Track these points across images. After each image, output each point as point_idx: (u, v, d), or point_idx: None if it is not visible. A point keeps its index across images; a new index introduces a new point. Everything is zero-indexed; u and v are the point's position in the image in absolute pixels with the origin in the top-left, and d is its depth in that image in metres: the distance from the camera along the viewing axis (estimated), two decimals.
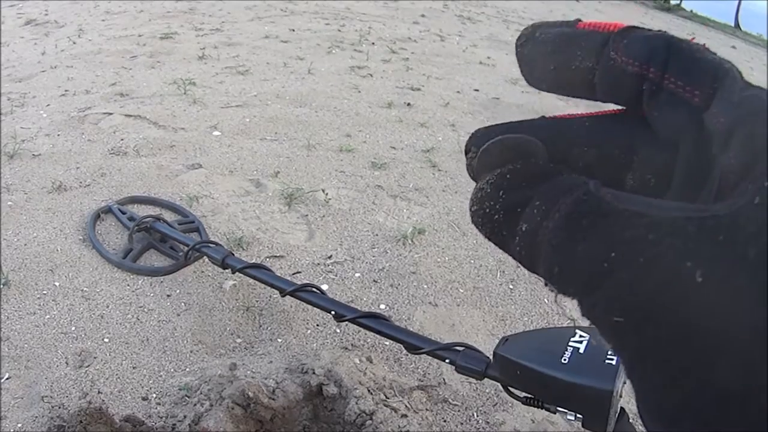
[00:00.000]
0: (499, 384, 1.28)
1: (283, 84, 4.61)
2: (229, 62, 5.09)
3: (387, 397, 1.82)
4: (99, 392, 1.81)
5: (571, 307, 2.31)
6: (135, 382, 1.87)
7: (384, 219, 2.85)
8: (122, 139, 3.38)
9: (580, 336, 1.08)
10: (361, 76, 5.09)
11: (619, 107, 0.32)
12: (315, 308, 1.70)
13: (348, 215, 2.85)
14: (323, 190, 2.99)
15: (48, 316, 2.09)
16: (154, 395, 1.83)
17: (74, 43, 5.52)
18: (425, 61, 5.89)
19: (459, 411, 1.88)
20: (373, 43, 6.29)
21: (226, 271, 2.02)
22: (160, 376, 1.91)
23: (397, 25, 7.51)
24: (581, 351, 1.05)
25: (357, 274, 2.45)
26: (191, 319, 2.14)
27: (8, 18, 6.48)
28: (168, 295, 2.24)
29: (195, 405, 1.74)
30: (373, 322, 1.52)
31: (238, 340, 2.08)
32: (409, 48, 6.33)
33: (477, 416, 1.88)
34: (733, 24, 19.20)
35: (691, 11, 18.98)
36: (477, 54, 6.55)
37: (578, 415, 1.03)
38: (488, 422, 1.86)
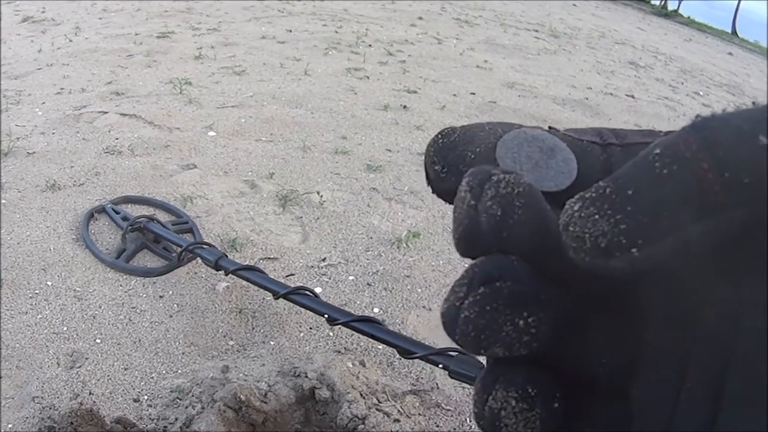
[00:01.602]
0: None
1: (279, 85, 4.61)
2: (225, 62, 5.08)
3: (380, 402, 1.81)
4: (90, 393, 1.80)
5: None
6: (126, 383, 1.86)
7: (379, 222, 2.85)
8: (117, 138, 3.37)
9: None
10: (357, 78, 5.08)
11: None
12: (308, 311, 1.69)
13: (342, 218, 2.84)
14: (318, 192, 2.98)
15: (40, 316, 2.08)
16: (146, 397, 1.82)
17: (71, 41, 5.50)
18: (422, 64, 5.88)
19: (452, 416, 1.88)
20: (370, 45, 6.28)
21: (220, 272, 2.02)
22: (152, 377, 1.90)
23: (394, 28, 7.51)
24: None
25: (351, 277, 2.44)
26: (184, 320, 2.13)
27: (5, 15, 6.46)
28: (161, 296, 2.23)
29: (186, 407, 1.73)
30: (367, 325, 1.51)
31: (231, 343, 2.07)
32: (406, 50, 6.32)
33: (470, 421, 1.87)
34: (730, 30, 19.26)
35: (689, 17, 19.01)
36: (474, 57, 6.54)
37: None
38: None
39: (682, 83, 7.71)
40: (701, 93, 7.42)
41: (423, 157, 0.28)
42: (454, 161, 0.26)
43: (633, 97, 6.18)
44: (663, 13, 18.91)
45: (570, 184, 0.25)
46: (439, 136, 0.27)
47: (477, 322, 0.22)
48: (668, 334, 0.22)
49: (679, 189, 0.18)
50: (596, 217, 0.19)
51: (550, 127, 0.27)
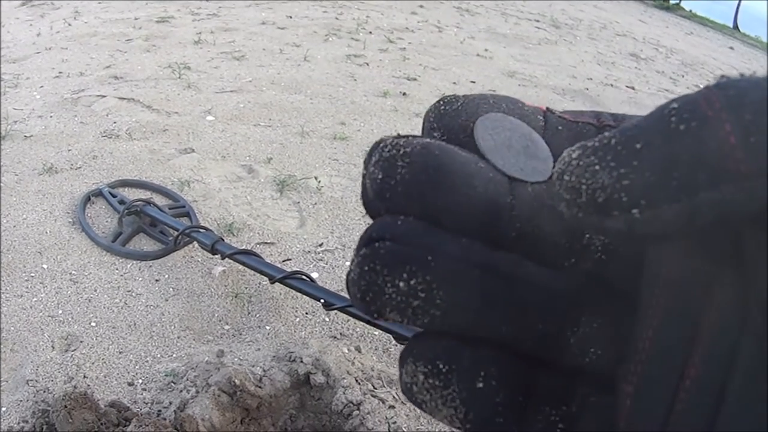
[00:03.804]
0: None
1: (278, 70, 4.59)
2: (225, 47, 5.05)
3: (375, 388, 1.80)
4: (84, 377, 1.80)
5: None
6: (121, 367, 1.86)
7: None
8: (115, 122, 3.36)
9: None
10: (357, 64, 5.06)
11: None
12: (304, 296, 1.69)
13: (340, 203, 2.83)
14: (316, 178, 2.97)
15: (35, 299, 2.07)
16: (140, 381, 1.82)
17: (70, 24, 5.48)
18: (422, 52, 5.86)
19: None
20: (370, 32, 6.26)
21: (216, 256, 2.01)
22: (147, 361, 1.89)
23: (395, 15, 7.48)
24: None
25: (348, 263, 2.42)
26: (179, 304, 2.12)
27: None
28: (156, 280, 2.22)
29: (181, 391, 1.72)
30: None
31: (226, 327, 2.07)
32: (406, 38, 6.30)
33: None
34: (731, 25, 19.20)
35: (690, 11, 18.92)
36: (474, 46, 6.52)
37: None
38: None
39: (683, 76, 7.69)
40: (702, 86, 7.34)
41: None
42: (456, 130, 0.24)
43: (633, 88, 6.16)
44: (665, 6, 18.83)
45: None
46: (441, 102, 0.25)
47: (359, 283, 0.21)
48: (670, 327, 0.20)
49: (696, 149, 0.16)
50: (596, 167, 0.17)
51: (547, 108, 0.26)
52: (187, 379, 1.76)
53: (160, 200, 2.61)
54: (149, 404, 1.73)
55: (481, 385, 0.21)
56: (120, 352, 1.91)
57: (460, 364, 0.21)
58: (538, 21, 9.12)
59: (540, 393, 0.22)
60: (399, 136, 0.22)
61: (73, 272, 2.21)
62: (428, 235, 0.21)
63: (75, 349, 1.90)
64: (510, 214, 0.22)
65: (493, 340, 0.22)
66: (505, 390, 0.21)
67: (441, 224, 0.21)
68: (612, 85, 6.03)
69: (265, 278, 1.77)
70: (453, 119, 0.25)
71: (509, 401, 0.21)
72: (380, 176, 0.22)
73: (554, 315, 0.22)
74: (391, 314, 0.21)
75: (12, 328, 1.94)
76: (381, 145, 0.22)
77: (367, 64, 5.12)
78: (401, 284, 0.20)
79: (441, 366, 0.21)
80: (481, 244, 0.21)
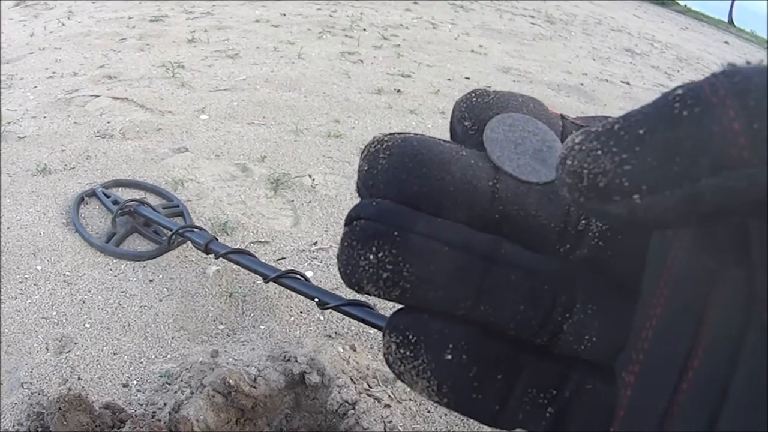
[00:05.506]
0: None
1: (272, 68, 4.58)
2: (218, 46, 5.04)
3: (370, 387, 1.80)
4: (79, 378, 1.79)
5: None
6: (115, 368, 1.85)
7: None
8: (109, 122, 3.35)
9: None
10: (351, 61, 5.05)
11: None
12: (299, 295, 1.68)
13: (335, 201, 2.83)
14: (310, 176, 2.96)
15: (29, 301, 2.06)
16: (135, 382, 1.81)
17: (63, 24, 5.46)
18: (417, 48, 5.85)
19: None
20: (364, 29, 6.25)
21: (210, 256, 2.01)
22: (141, 362, 1.89)
23: (389, 12, 7.47)
24: None
25: None
26: (173, 304, 2.11)
27: None
28: (150, 280, 2.21)
29: (175, 392, 1.72)
30: (357, 310, 1.50)
31: (221, 327, 2.06)
32: (400, 35, 6.29)
33: None
34: (726, 20, 19.20)
35: (685, 6, 18.92)
36: (469, 42, 6.51)
37: None
38: None
39: (678, 71, 7.69)
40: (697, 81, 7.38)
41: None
42: (484, 121, 0.25)
43: (628, 84, 6.16)
44: (659, 1, 18.83)
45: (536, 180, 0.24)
46: (473, 94, 0.27)
47: (340, 257, 0.23)
48: (674, 318, 0.20)
49: (698, 135, 0.16)
50: (598, 152, 0.17)
51: (561, 115, 0.27)
52: (182, 380, 1.76)
53: (153, 200, 2.60)
54: (144, 405, 1.72)
55: (449, 357, 0.22)
56: (114, 354, 1.90)
57: (428, 335, 0.22)
58: (532, 17, 9.12)
59: (528, 376, 0.23)
60: (387, 134, 0.25)
61: (67, 273, 2.20)
62: (399, 214, 0.22)
63: (69, 351, 1.89)
64: (492, 197, 0.23)
65: (474, 319, 0.22)
66: (479, 366, 0.22)
67: (420, 207, 0.23)
68: (607, 81, 6.03)
69: (260, 277, 1.77)
70: (483, 111, 0.26)
71: (486, 379, 0.22)
72: (366, 168, 0.24)
73: (539, 298, 0.22)
74: (367, 287, 0.23)
75: (6, 331, 1.94)
76: (370, 142, 0.25)
77: (362, 62, 5.11)
78: (371, 257, 0.22)
79: (410, 336, 0.22)
80: (464, 226, 0.23)
